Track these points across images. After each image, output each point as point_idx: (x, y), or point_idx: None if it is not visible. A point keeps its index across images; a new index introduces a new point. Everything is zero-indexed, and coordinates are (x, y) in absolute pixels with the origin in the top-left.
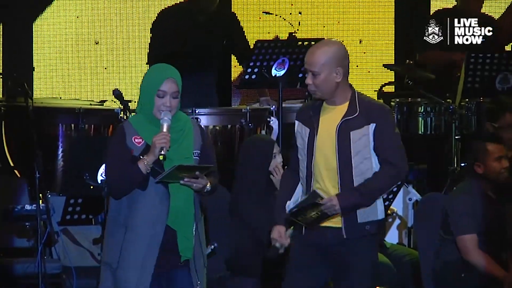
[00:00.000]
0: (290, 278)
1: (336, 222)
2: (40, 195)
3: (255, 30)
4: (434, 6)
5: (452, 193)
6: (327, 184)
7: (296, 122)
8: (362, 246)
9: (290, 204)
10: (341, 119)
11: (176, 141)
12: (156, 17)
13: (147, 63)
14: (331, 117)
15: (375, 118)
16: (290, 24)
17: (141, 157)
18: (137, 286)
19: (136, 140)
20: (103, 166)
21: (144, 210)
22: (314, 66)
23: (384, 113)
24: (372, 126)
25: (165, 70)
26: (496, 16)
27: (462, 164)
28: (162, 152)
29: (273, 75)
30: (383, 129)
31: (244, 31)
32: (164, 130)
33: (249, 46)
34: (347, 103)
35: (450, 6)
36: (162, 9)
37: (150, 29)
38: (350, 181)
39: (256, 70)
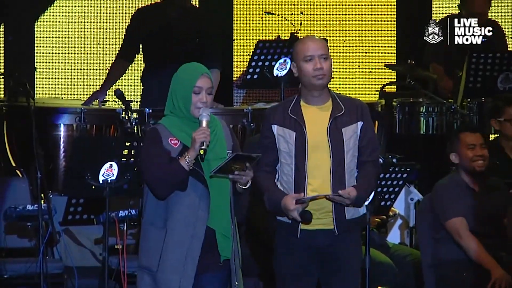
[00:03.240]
0: (284, 285)
1: (326, 224)
2: (42, 195)
3: (257, 30)
4: (436, 6)
5: (433, 188)
6: (320, 183)
7: (275, 126)
8: (351, 242)
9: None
10: (330, 117)
11: (211, 142)
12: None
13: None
14: (317, 116)
15: (362, 116)
16: (292, 24)
17: (179, 157)
18: None
19: (172, 142)
20: (105, 167)
21: (184, 211)
22: (324, 49)
23: (367, 112)
24: (360, 124)
25: (198, 66)
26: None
27: None
28: (203, 147)
29: (275, 75)
30: (369, 128)
31: (219, 32)
32: (204, 125)
33: (217, 48)
34: (330, 101)
35: (452, 7)
36: (138, 8)
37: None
38: (342, 178)
39: (258, 70)
